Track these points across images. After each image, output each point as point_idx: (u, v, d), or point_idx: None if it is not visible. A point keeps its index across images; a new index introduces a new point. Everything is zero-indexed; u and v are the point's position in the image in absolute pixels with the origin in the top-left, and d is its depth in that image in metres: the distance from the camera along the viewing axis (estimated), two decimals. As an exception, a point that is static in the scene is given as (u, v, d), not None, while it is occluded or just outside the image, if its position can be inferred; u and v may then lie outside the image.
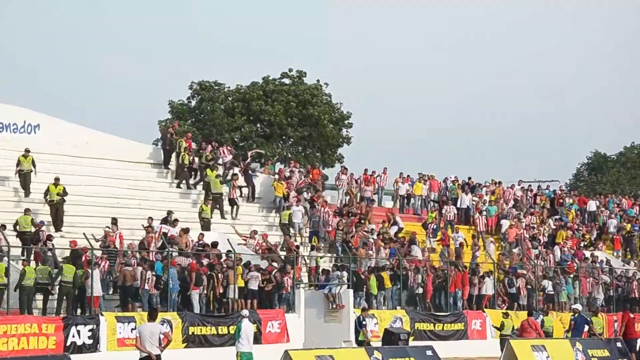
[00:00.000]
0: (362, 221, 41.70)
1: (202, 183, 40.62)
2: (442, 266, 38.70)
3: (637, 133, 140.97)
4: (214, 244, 34.08)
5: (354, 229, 40.02)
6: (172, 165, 41.84)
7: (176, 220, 35.34)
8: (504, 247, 44.73)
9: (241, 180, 41.20)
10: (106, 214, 35.53)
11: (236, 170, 41.92)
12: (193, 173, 41.26)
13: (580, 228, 49.47)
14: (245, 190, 41.38)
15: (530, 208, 50.28)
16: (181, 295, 31.52)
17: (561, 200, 51.97)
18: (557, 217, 50.03)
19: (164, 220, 35.04)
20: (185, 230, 34.54)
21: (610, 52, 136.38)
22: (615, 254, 48.74)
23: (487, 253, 42.77)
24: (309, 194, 41.87)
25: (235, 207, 39.95)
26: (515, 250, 43.58)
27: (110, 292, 31.40)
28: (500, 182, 51.87)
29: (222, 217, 39.18)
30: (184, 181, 40.95)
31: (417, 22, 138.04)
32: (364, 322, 30.67)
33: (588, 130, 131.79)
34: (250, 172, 42.13)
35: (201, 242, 34.36)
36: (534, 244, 44.75)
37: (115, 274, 31.32)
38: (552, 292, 40.43)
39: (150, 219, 34.68)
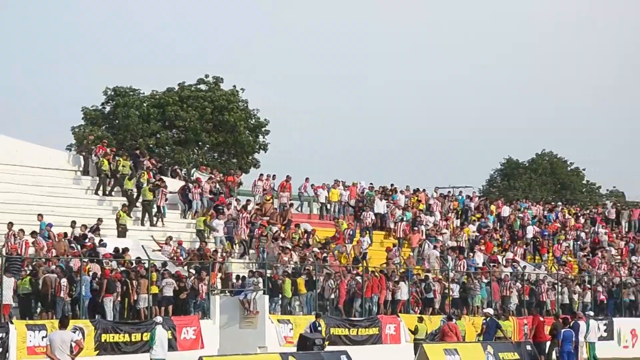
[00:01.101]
0: (278, 227, 41.79)
1: (122, 191, 40.45)
2: (357, 271, 38.95)
3: (548, 140, 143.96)
4: (125, 251, 33.97)
5: (269, 236, 40.09)
6: (91, 171, 41.63)
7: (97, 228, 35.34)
8: (420, 253, 45.20)
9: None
10: (23, 221, 35.15)
11: (164, 178, 41.98)
12: (111, 180, 41.02)
13: (495, 233, 50.30)
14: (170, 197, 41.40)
15: (447, 214, 50.90)
16: (94, 303, 31.23)
17: (480, 207, 52.91)
18: (479, 222, 50.91)
19: (91, 229, 35.02)
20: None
21: (521, 59, 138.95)
22: (526, 258, 49.65)
23: (402, 258, 43.24)
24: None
25: (160, 214, 39.88)
26: (432, 255, 44.07)
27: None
28: (418, 189, 52.48)
29: (152, 224, 39.25)
30: (101, 187, 40.73)
31: (331, 29, 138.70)
32: (319, 328, 31.14)
33: (501, 137, 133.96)
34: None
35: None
36: (437, 248, 45.17)
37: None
38: (458, 297, 40.96)
39: (84, 226, 34.83)
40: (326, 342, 31.20)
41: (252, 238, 40.34)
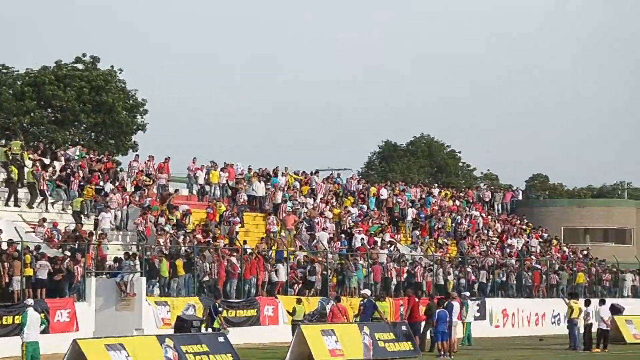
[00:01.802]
0: (156, 208, 41.30)
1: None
2: (236, 253, 38.90)
3: (426, 124, 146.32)
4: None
5: (148, 217, 39.59)
6: None
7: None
8: (298, 234, 45.33)
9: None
10: None
11: (46, 161, 40.98)
12: None
13: (374, 215, 50.86)
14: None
15: (327, 196, 51.14)
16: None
17: (363, 190, 53.43)
18: (358, 205, 51.42)
19: None
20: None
21: (398, 42, 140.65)
22: (403, 240, 50.40)
23: (282, 240, 43.37)
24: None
25: (44, 197, 38.96)
26: (323, 237, 44.26)
27: None
28: (298, 172, 52.60)
29: (30, 206, 38.27)
30: None
31: (210, 9, 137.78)
32: (219, 310, 31.15)
33: (380, 119, 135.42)
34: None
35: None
36: (326, 230, 45.56)
37: None
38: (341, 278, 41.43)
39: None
40: (203, 325, 30.91)
41: (128, 219, 39.80)
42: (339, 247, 44.45)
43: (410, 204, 54.38)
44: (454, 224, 54.62)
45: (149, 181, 43.80)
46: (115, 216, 39.77)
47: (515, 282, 49.37)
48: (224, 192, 47.11)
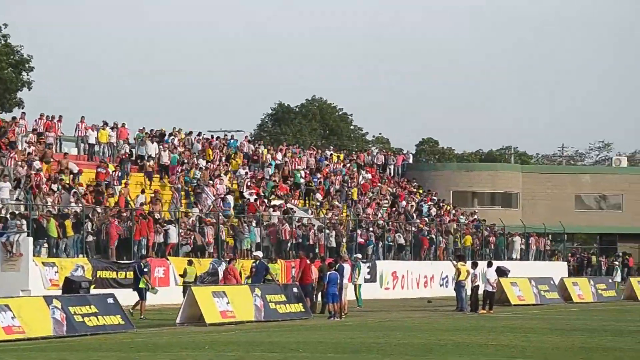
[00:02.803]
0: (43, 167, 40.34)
1: None
2: (126, 213, 38.37)
3: (318, 86, 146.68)
4: None
5: (39, 176, 38.59)
6: None
7: None
8: (195, 197, 44.92)
9: None
10: None
11: None
12: None
13: (269, 178, 50.80)
14: None
15: (220, 159, 50.68)
16: None
17: (255, 152, 53.20)
18: (251, 167, 51.30)
19: None
20: None
21: (297, 7, 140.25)
22: (298, 203, 50.44)
23: (174, 202, 43.00)
24: None
25: None
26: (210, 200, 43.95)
27: None
28: (191, 132, 52.09)
29: None
30: None
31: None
32: (145, 270, 31.04)
33: (272, 81, 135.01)
34: None
35: None
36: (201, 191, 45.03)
37: None
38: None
39: None
40: (92, 285, 30.67)
41: (25, 179, 38.71)
42: (229, 208, 44.24)
43: (302, 167, 54.45)
44: (346, 187, 54.92)
45: (43, 143, 42.47)
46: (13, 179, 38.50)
47: (405, 244, 49.98)
48: (114, 151, 46.28)
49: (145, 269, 31.56)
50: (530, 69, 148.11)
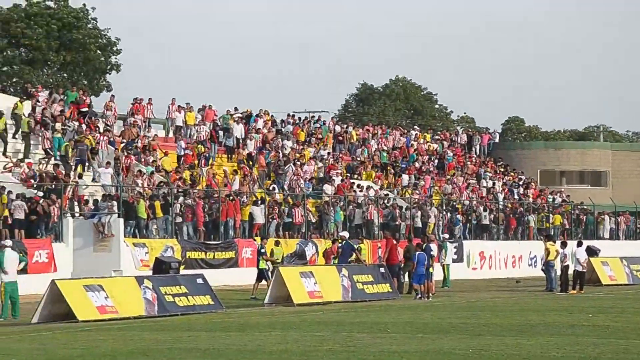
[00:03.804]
0: (135, 149, 40.91)
1: None
2: (215, 195, 38.71)
3: (402, 66, 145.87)
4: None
5: (131, 159, 39.18)
6: None
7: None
8: (279, 176, 45.06)
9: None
10: None
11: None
12: None
13: (353, 158, 50.80)
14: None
15: (306, 140, 50.77)
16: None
17: (341, 132, 53.21)
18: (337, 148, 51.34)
19: None
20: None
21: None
22: (380, 183, 50.30)
23: (258, 182, 43.24)
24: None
25: (47, 154, 38.38)
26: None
27: None
28: (270, 114, 52.28)
29: (26, 157, 37.58)
30: None
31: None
32: (262, 250, 31.87)
33: (357, 61, 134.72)
34: None
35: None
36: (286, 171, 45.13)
37: None
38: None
39: None
40: (182, 266, 31.06)
41: (114, 161, 39.30)
42: (312, 189, 44.39)
43: (390, 147, 54.36)
44: (433, 167, 54.59)
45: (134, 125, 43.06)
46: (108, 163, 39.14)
47: (492, 224, 49.52)
48: (202, 133, 46.65)
49: (263, 250, 32.04)
50: (621, 45, 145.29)
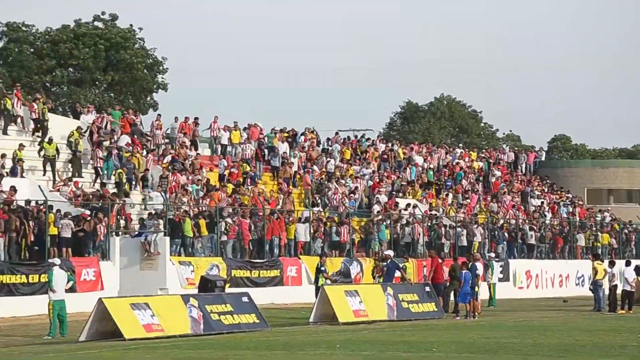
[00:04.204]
0: (180, 168, 41.17)
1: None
2: (260, 213, 38.78)
3: (447, 84, 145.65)
4: (13, 190, 33.04)
5: (176, 176, 39.44)
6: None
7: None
8: (322, 194, 45.11)
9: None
10: None
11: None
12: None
13: (395, 176, 50.67)
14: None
15: (350, 158, 50.75)
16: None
17: (386, 151, 53.12)
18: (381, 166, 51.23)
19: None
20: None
21: (421, 2, 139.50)
22: (425, 201, 50.12)
23: (302, 200, 43.31)
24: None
25: (98, 174, 38.92)
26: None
27: None
28: (313, 131, 52.36)
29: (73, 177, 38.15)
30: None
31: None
32: (322, 268, 31.85)
33: (401, 80, 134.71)
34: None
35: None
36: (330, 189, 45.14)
37: None
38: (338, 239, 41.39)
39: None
40: (227, 284, 31.13)
41: (154, 179, 39.57)
42: (358, 208, 44.35)
43: (435, 166, 54.24)
44: (478, 185, 54.32)
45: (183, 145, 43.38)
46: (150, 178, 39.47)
47: (538, 243, 49.13)
48: (247, 152, 46.80)
49: (323, 268, 32.10)
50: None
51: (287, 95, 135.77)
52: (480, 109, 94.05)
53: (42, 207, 32.25)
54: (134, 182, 39.15)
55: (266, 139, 48.00)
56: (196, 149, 44.97)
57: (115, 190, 37.51)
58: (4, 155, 35.87)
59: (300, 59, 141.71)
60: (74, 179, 37.22)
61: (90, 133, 40.25)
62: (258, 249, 37.97)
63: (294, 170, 46.55)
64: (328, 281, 31.85)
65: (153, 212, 35.89)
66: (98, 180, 38.28)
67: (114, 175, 38.53)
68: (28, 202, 32.82)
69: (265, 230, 37.80)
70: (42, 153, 37.66)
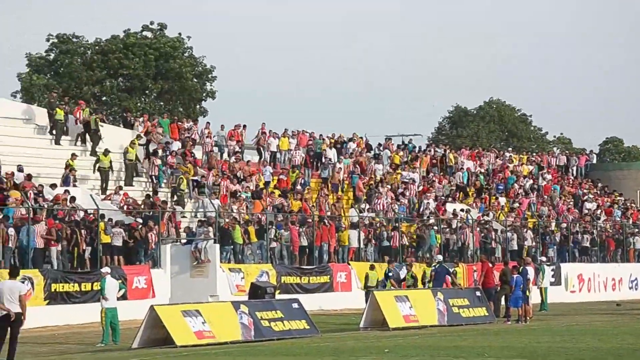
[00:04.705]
0: (228, 175, 41.42)
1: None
2: (309, 220, 38.86)
3: (496, 88, 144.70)
4: (72, 199, 33.55)
5: (227, 183, 39.68)
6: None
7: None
8: (369, 200, 45.06)
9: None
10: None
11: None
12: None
13: (444, 180, 50.50)
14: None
15: (400, 163, 50.68)
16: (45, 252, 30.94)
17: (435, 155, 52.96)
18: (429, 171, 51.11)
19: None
20: (53, 186, 34.08)
21: (466, 5, 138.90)
22: (475, 206, 49.88)
23: (352, 206, 43.28)
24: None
25: (154, 182, 39.48)
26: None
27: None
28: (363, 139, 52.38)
29: (129, 184, 38.94)
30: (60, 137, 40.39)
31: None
32: (390, 274, 32.52)
33: (450, 84, 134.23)
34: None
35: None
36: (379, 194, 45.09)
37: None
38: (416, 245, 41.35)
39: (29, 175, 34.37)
40: (277, 291, 31.21)
41: (200, 187, 39.83)
42: (407, 213, 44.27)
43: (485, 170, 53.98)
44: (528, 189, 53.92)
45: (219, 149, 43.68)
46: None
47: (590, 246, 48.66)
48: (296, 158, 46.93)
49: (390, 274, 32.19)
50: None
51: (334, 102, 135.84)
52: (530, 112, 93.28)
53: (93, 216, 32.62)
54: (186, 190, 39.43)
55: (315, 145, 48.10)
56: (243, 157, 45.21)
57: (165, 199, 37.82)
58: (68, 167, 36.46)
59: (350, 65, 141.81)
60: (124, 188, 37.60)
61: (147, 142, 40.82)
62: (308, 255, 38.02)
63: (342, 176, 46.56)
64: (392, 287, 31.88)
65: (203, 219, 36.12)
66: (151, 189, 38.68)
67: (171, 182, 38.79)
68: (82, 211, 33.18)
69: (315, 237, 37.86)
70: (97, 165, 38.11)
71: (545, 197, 53.69)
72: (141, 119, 44.64)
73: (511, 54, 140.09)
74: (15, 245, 30.16)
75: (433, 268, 33.47)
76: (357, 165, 48.01)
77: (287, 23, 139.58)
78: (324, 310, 35.19)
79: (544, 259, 40.63)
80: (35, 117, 41.76)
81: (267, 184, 42.97)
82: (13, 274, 19.95)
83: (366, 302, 31.16)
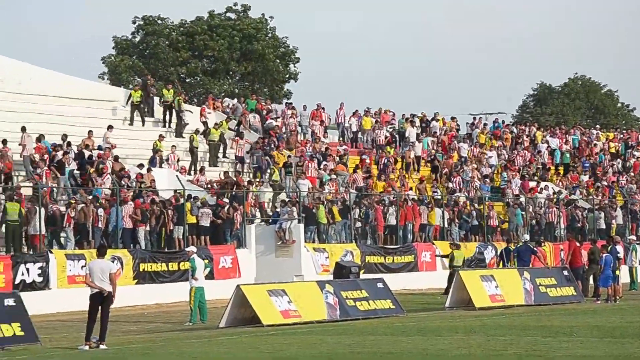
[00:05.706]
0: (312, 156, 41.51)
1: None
2: (393, 199, 38.77)
3: (581, 64, 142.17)
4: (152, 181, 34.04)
5: (306, 164, 39.77)
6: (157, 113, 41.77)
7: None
8: (452, 178, 44.71)
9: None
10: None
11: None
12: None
13: (531, 159, 49.90)
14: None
15: (484, 142, 50.21)
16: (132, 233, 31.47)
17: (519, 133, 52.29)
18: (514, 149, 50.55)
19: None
20: (140, 166, 34.68)
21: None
22: (562, 184, 49.16)
23: (435, 185, 43.05)
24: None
25: (241, 162, 39.97)
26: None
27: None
28: (454, 118, 52.01)
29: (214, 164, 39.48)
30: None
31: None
32: (511, 252, 32.77)
33: (534, 61, 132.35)
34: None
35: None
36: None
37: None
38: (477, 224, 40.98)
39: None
40: (362, 270, 31.20)
41: (284, 168, 39.97)
42: (492, 192, 43.85)
43: (571, 148, 53.18)
44: (616, 166, 52.95)
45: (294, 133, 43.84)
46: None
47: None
48: (381, 137, 46.72)
49: (514, 252, 32.48)
50: None
51: (418, 80, 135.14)
52: (617, 88, 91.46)
53: (179, 195, 33.00)
54: (269, 171, 39.63)
55: (397, 124, 47.86)
56: (326, 137, 45.25)
57: (250, 179, 38.08)
58: (172, 147, 37.25)
59: (432, 43, 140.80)
60: (210, 168, 37.96)
61: (238, 123, 41.19)
62: (391, 234, 37.94)
63: (426, 155, 46.28)
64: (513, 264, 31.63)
65: (287, 199, 36.27)
66: (239, 169, 39.02)
67: (262, 164, 39.04)
68: (157, 191, 33.61)
69: (399, 216, 37.75)
70: (208, 138, 39.21)
71: (634, 174, 52.62)
72: (227, 102, 45.09)
73: (596, 30, 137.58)
74: (105, 225, 30.72)
75: (515, 247, 33.14)
76: (440, 144, 47.69)
77: (368, 3, 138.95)
78: (409, 290, 35.09)
79: (633, 237, 39.85)
80: (121, 99, 42.33)
81: (355, 163, 42.87)
82: (101, 253, 20.35)
83: (449, 281, 31.08)
